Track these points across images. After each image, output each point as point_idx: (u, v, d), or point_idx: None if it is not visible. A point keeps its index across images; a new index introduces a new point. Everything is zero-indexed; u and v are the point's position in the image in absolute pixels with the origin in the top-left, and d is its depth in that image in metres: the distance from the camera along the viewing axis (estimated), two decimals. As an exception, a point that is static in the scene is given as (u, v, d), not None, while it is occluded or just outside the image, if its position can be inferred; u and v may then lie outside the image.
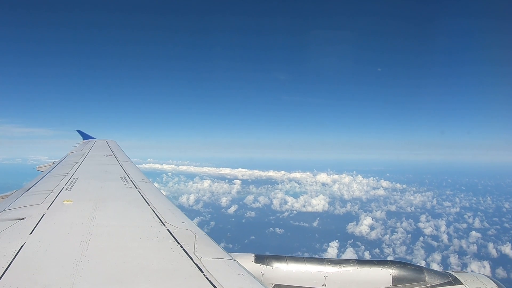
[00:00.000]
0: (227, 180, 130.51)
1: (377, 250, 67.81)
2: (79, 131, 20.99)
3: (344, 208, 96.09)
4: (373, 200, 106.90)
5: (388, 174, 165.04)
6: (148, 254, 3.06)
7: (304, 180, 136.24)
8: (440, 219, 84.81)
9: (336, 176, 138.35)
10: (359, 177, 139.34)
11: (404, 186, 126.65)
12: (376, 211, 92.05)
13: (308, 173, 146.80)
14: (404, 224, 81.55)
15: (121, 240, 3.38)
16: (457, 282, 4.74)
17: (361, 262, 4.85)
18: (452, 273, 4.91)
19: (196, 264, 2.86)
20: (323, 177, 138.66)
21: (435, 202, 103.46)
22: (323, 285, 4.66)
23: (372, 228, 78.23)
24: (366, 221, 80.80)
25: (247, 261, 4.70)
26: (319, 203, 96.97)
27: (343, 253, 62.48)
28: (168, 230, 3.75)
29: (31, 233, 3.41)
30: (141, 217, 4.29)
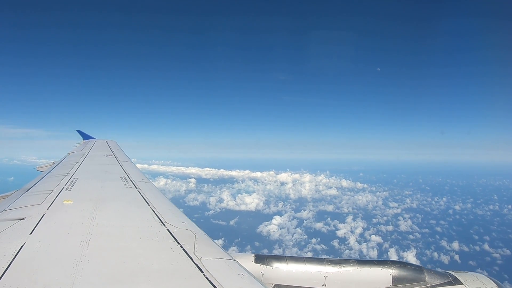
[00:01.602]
0: (187, 179, 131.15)
1: (265, 250, 65.20)
2: (79, 131, 20.98)
3: (276, 207, 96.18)
4: (318, 199, 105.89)
5: (361, 174, 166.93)
6: (148, 254, 3.06)
7: (263, 179, 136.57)
8: (371, 219, 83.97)
9: (297, 176, 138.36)
10: (321, 177, 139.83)
11: (365, 185, 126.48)
12: (304, 211, 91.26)
13: (271, 172, 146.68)
14: (320, 224, 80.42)
15: (121, 240, 3.38)
16: (457, 282, 4.74)
17: (361, 262, 4.85)
18: (452, 273, 4.91)
19: (196, 264, 2.86)
20: (283, 176, 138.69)
21: (380, 202, 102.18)
22: (323, 285, 4.66)
23: (280, 227, 77.80)
24: (275, 220, 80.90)
25: (247, 261, 4.70)
26: (252, 202, 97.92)
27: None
28: (168, 230, 3.75)
29: (31, 233, 3.41)
30: (141, 217, 4.29)
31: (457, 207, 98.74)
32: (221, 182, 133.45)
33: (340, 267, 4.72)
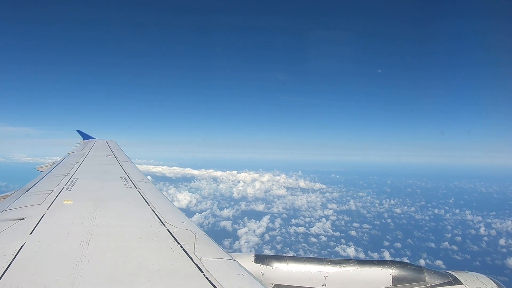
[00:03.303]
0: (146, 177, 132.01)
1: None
2: (79, 131, 20.99)
3: (205, 204, 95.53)
4: (256, 199, 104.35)
5: (332, 175, 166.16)
6: (148, 254, 3.06)
7: (222, 178, 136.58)
8: (291, 220, 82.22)
9: (256, 175, 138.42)
10: (282, 177, 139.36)
11: (323, 186, 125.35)
12: (226, 208, 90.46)
13: (234, 171, 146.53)
14: (226, 222, 79.34)
15: (121, 240, 3.38)
16: (457, 282, 4.74)
17: (361, 262, 4.86)
18: (452, 273, 4.91)
19: (196, 264, 2.86)
20: (243, 175, 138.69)
21: (319, 204, 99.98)
22: (323, 285, 4.66)
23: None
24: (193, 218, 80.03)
25: (247, 261, 4.70)
26: (184, 199, 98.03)
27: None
28: (168, 230, 3.75)
29: (31, 233, 3.41)
30: (141, 217, 4.29)
31: (397, 210, 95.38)
32: (178, 180, 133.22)
33: (340, 267, 4.72)
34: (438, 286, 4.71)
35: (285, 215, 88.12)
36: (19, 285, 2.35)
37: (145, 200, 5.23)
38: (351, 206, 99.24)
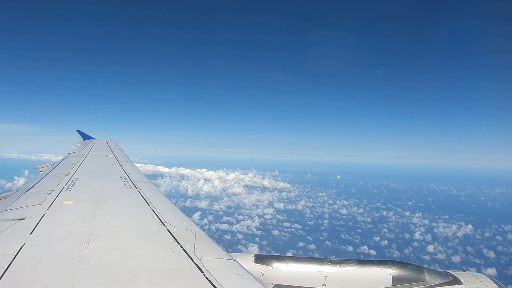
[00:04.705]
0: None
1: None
2: (79, 131, 20.99)
3: None
4: (207, 196, 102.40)
5: (308, 175, 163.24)
6: (148, 254, 3.06)
7: (188, 176, 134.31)
8: (222, 218, 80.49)
9: (223, 174, 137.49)
10: (249, 175, 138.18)
11: (286, 185, 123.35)
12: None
13: (203, 170, 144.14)
14: None
15: (121, 240, 3.38)
16: (457, 282, 4.74)
17: (361, 262, 4.86)
18: (452, 273, 4.91)
19: (196, 264, 2.86)
20: (209, 173, 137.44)
21: (266, 203, 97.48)
22: (323, 285, 4.66)
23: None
24: None
25: (247, 261, 4.70)
26: None
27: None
28: (168, 230, 3.75)
29: (31, 233, 3.41)
30: (141, 217, 4.29)
31: (343, 211, 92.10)
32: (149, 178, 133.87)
33: (340, 267, 4.73)
34: (438, 286, 4.71)
35: (221, 212, 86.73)
36: (19, 285, 2.35)
37: (145, 200, 5.23)
38: (298, 206, 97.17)
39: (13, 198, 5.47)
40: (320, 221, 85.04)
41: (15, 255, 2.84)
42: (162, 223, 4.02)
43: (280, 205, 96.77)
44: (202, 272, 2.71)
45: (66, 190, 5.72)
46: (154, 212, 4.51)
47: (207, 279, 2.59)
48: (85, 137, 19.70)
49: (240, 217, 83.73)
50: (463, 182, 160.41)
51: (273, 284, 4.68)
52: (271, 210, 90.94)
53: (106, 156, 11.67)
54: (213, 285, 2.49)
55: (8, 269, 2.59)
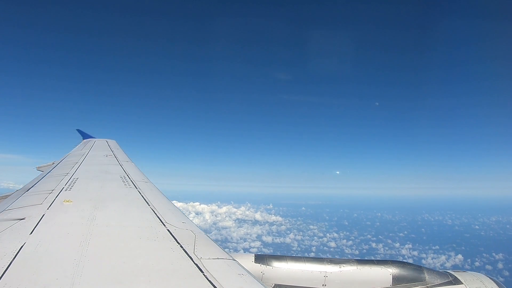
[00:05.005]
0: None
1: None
2: (79, 131, 20.93)
3: None
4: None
5: (303, 208, 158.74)
6: (148, 254, 3.07)
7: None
8: None
9: (215, 207, 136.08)
10: (242, 209, 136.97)
11: (278, 219, 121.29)
12: None
13: (196, 203, 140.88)
14: None
15: (121, 240, 3.38)
16: (457, 282, 4.75)
17: (361, 261, 4.86)
18: (452, 273, 4.92)
19: (196, 264, 2.86)
20: (202, 207, 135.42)
21: (254, 236, 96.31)
22: (323, 285, 4.66)
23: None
24: None
25: (247, 261, 4.71)
26: None
27: None
28: (168, 230, 3.75)
29: (31, 233, 3.41)
30: (141, 217, 4.29)
31: (332, 244, 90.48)
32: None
33: (340, 267, 4.73)
34: (438, 286, 4.71)
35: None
36: (19, 285, 2.35)
37: (145, 200, 5.23)
38: (286, 240, 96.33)
39: (13, 198, 5.47)
40: (306, 254, 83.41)
41: (15, 255, 2.84)
42: (162, 223, 4.02)
43: (269, 239, 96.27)
44: (202, 272, 2.71)
45: (66, 190, 5.72)
46: (154, 212, 4.52)
47: (207, 279, 2.59)
48: (85, 136, 19.67)
49: (225, 250, 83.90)
50: (459, 211, 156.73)
51: (273, 284, 4.69)
52: (258, 243, 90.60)
53: (106, 156, 11.66)
54: (213, 285, 2.49)
55: (8, 269, 2.58)
